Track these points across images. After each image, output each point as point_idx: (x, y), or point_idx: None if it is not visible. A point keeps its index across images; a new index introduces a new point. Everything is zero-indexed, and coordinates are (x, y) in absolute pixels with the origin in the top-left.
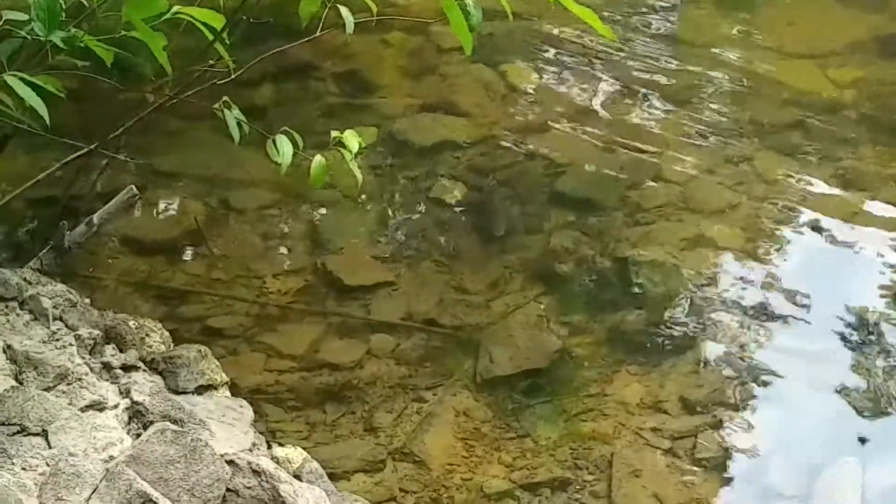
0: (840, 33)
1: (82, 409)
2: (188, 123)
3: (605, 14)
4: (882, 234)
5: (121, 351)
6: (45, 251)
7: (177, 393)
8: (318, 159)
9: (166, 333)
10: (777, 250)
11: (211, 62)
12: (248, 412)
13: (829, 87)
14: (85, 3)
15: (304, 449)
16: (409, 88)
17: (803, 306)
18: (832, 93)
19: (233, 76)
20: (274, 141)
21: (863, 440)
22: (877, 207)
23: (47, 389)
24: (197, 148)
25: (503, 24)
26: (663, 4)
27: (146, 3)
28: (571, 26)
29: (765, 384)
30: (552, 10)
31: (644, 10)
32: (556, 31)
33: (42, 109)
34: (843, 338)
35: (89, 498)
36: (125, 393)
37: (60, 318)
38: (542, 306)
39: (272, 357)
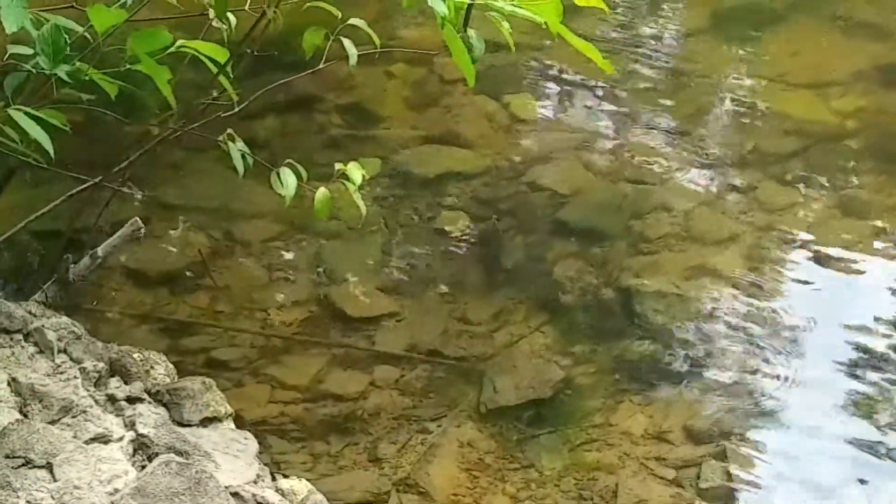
0: (842, 63)
1: (87, 442)
2: (193, 155)
3: (608, 45)
4: (884, 264)
5: (125, 383)
6: (49, 284)
7: (181, 425)
8: (321, 192)
9: (171, 365)
10: (780, 279)
11: (215, 95)
12: (253, 444)
13: (831, 116)
14: (89, 36)
15: (308, 480)
16: (413, 120)
17: (806, 335)
18: (834, 122)
19: (237, 109)
20: (278, 173)
21: (862, 481)
22: (879, 236)
23: (52, 422)
24: (201, 180)
25: (506, 56)
26: (667, 35)
27: (151, 36)
28: (574, 58)
29: (769, 414)
30: (555, 43)
31: (647, 41)
32: (558, 63)
33: (46, 143)
34: (847, 367)
35: None
36: (130, 425)
37: (65, 351)
38: (545, 336)
39: (276, 388)
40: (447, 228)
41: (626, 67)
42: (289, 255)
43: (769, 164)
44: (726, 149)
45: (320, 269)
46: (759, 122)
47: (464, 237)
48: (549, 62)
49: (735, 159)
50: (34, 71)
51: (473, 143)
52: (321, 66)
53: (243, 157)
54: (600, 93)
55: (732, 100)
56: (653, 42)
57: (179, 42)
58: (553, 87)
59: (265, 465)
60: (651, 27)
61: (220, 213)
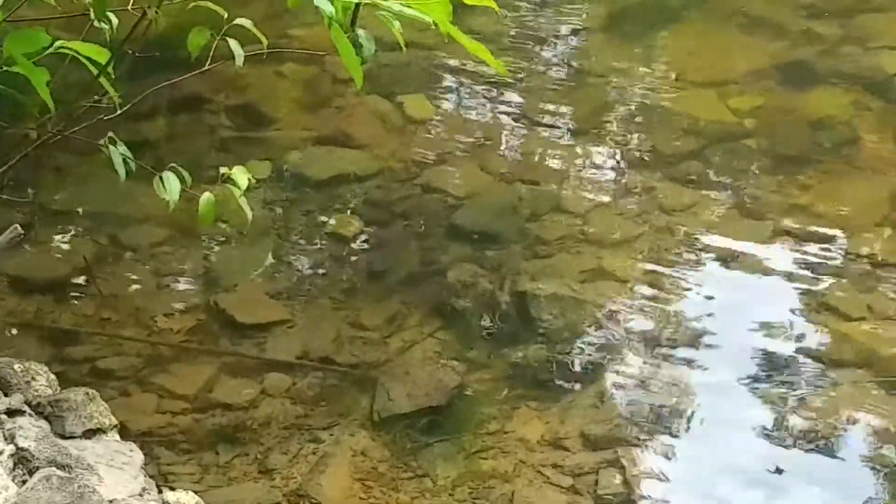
0: (740, 61)
1: None
2: (78, 159)
3: (503, 43)
4: (784, 264)
5: (5, 395)
6: None
7: (64, 437)
8: (205, 197)
9: (53, 376)
10: (679, 281)
11: (97, 97)
12: (138, 456)
13: (729, 115)
14: None
15: (196, 493)
16: (304, 121)
17: (707, 337)
18: (733, 121)
19: (119, 111)
20: (161, 177)
21: (780, 470)
22: (778, 237)
23: None
24: (86, 184)
25: (400, 55)
26: (564, 33)
27: (28, 37)
28: (469, 57)
29: (668, 418)
30: (449, 42)
31: (545, 38)
32: (453, 62)
33: None
34: (749, 369)
35: None
36: (10, 439)
37: None
38: (440, 342)
39: (164, 398)
40: (340, 232)
41: (524, 66)
42: (177, 261)
43: (668, 164)
44: (624, 149)
45: (209, 275)
46: (658, 122)
47: (357, 241)
48: (444, 61)
49: (633, 159)
50: None
51: (366, 144)
52: (208, 66)
53: (125, 161)
54: (497, 92)
55: (630, 99)
56: (550, 40)
57: (59, 43)
58: (448, 87)
59: (151, 477)
60: (549, 25)
61: (106, 217)
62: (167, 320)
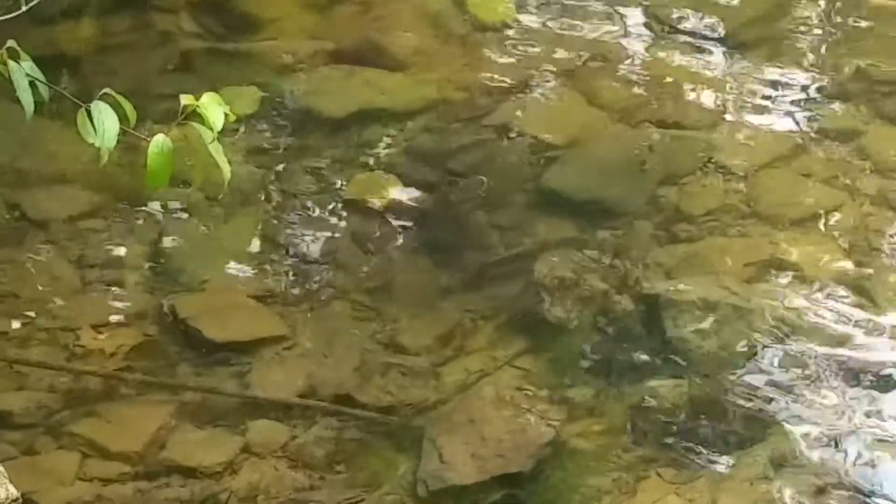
0: None
1: None
2: None
3: None
4: None
5: None
6: None
7: None
8: (158, 141)
9: None
10: None
11: None
12: None
13: None
14: None
15: None
16: (312, 25)
17: None
18: None
19: (25, 6)
20: (89, 111)
21: None
22: None
23: None
24: None
25: None
26: None
27: None
28: None
29: (873, 493)
30: None
31: None
32: None
33: None
34: None
35: None
36: None
37: None
38: (523, 374)
39: (91, 457)
40: (365, 200)
41: None
42: (112, 244)
43: (881, 95)
44: (808, 72)
45: (162, 267)
46: (865, 29)
47: (392, 215)
48: None
49: (823, 88)
50: None
51: (409, 62)
52: None
53: (33, 85)
54: None
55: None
56: None
57: None
58: None
59: None
60: None
61: (1, 174)
62: (97, 336)
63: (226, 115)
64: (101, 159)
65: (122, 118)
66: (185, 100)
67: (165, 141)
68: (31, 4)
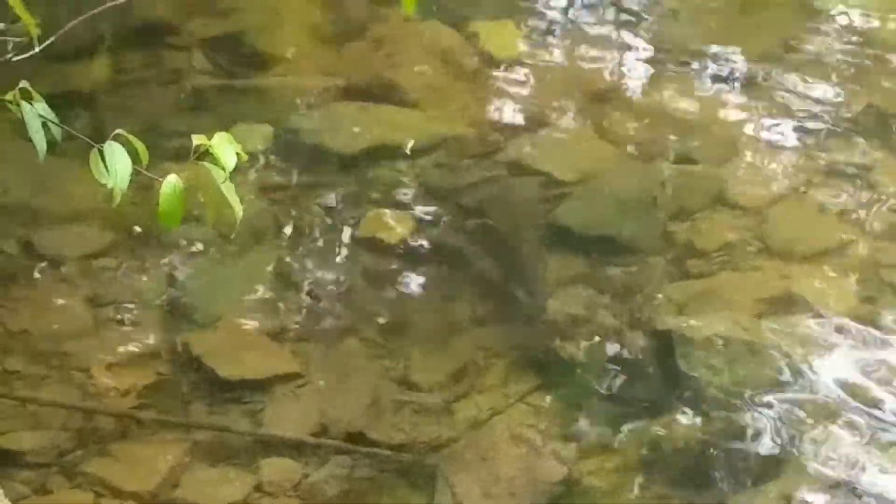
0: None
1: None
2: None
3: None
4: None
5: None
6: None
7: None
8: (170, 182)
9: None
10: None
11: (1, 25)
12: None
13: None
14: None
15: None
16: (323, 61)
17: None
18: None
19: (38, 47)
20: (101, 151)
21: None
22: None
23: None
24: None
25: None
26: None
27: None
28: None
29: None
30: None
31: None
32: None
33: None
34: None
35: None
36: None
37: None
38: (535, 411)
39: (104, 497)
40: (378, 237)
41: None
42: (125, 281)
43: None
44: (822, 106)
45: (175, 304)
46: (879, 65)
47: (405, 251)
48: None
49: (838, 122)
50: None
51: (420, 98)
52: None
53: (45, 126)
54: (623, 17)
55: (832, 25)
56: None
57: None
58: (547, 9)
59: None
60: None
61: (15, 213)
62: (110, 374)
63: (238, 154)
64: (113, 200)
65: (135, 158)
66: (197, 140)
67: (177, 182)
68: (45, 44)
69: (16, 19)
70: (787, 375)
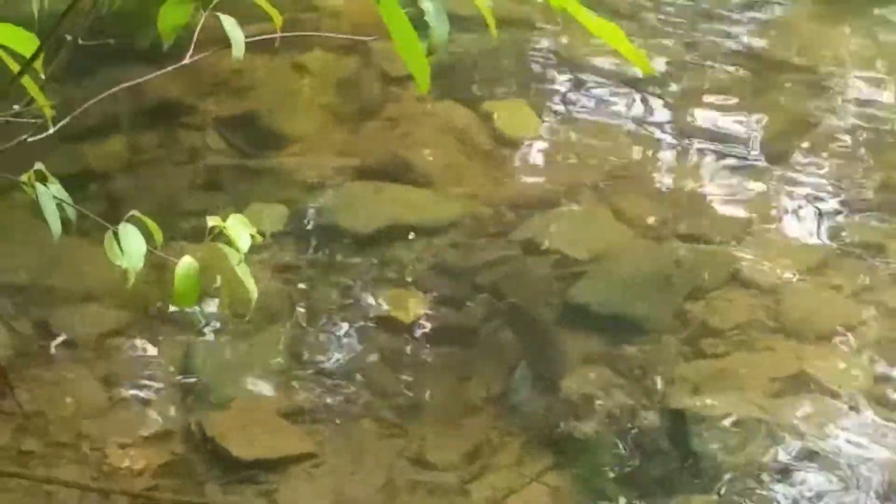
0: None
1: None
2: None
3: (650, 20)
4: None
5: None
6: None
7: None
8: (185, 263)
9: None
10: None
11: (16, 107)
12: None
13: None
14: None
15: None
16: (339, 141)
17: None
18: None
19: (53, 128)
20: (115, 233)
21: None
22: None
23: None
24: (2, 241)
25: (486, 39)
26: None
27: None
28: (594, 45)
29: None
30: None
31: (710, 14)
32: (569, 52)
33: None
34: None
35: None
36: None
37: None
38: (551, 491)
39: None
40: (393, 316)
41: (677, 57)
42: (139, 361)
43: None
44: (837, 185)
45: (190, 384)
46: (892, 143)
47: (420, 330)
48: (554, 49)
49: (851, 201)
50: None
51: (435, 177)
52: (189, 58)
53: (60, 207)
54: (637, 98)
55: (846, 106)
56: (718, 15)
57: None
58: (561, 89)
59: None
60: None
61: (30, 292)
62: (123, 454)
63: (252, 236)
64: (127, 280)
65: (149, 239)
66: (212, 221)
67: (192, 263)
68: (60, 125)
69: (31, 100)
70: (801, 455)
